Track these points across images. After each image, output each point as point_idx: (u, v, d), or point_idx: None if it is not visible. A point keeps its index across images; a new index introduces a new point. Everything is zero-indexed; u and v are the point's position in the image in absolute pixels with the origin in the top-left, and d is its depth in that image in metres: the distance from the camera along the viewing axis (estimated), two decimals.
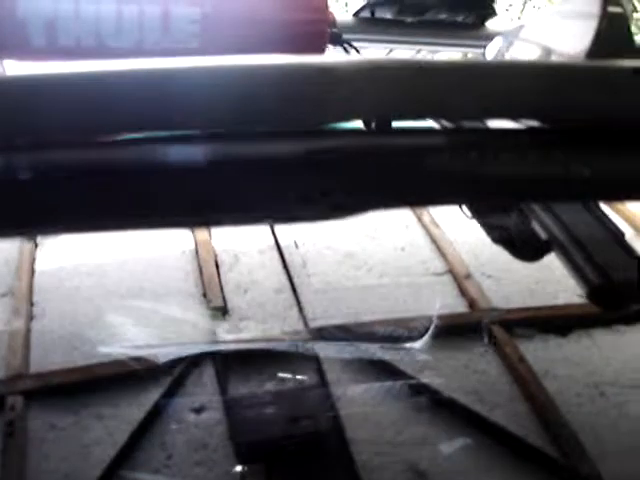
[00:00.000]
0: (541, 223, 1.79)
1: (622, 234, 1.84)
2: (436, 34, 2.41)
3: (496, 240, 2.03)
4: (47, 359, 2.31)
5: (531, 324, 2.60)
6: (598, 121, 1.07)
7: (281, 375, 2.34)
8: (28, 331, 2.40)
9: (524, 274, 2.81)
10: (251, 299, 2.60)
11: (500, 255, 2.76)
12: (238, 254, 2.80)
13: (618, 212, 3.18)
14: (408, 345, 2.46)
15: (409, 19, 2.30)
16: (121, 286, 2.59)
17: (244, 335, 2.45)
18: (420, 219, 3.05)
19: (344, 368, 2.39)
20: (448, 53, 2.67)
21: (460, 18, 2.34)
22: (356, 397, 2.30)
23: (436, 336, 2.48)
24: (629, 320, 2.67)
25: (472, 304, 2.66)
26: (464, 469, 2.14)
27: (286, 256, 2.80)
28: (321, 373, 2.35)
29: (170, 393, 2.25)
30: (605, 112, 1.05)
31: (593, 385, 2.43)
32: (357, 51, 2.00)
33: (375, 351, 2.42)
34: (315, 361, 2.38)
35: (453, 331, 2.55)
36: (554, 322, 2.62)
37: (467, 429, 2.24)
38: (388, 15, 2.31)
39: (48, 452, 2.05)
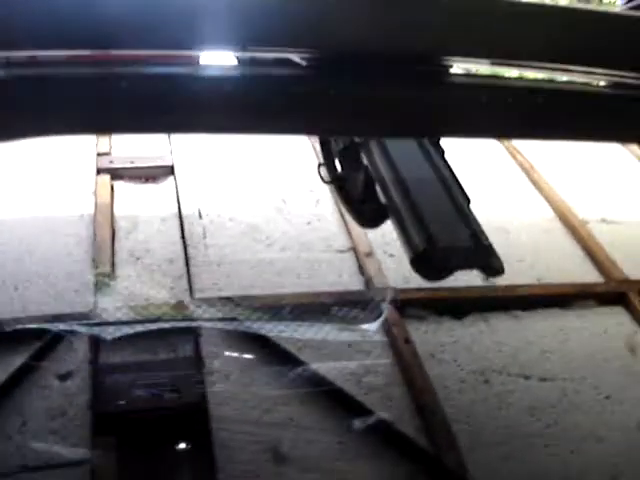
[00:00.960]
0: (383, 187, 1.72)
1: (467, 201, 1.78)
2: None
3: (343, 202, 1.98)
4: None
5: (426, 305, 2.54)
6: None
7: (156, 346, 2.30)
8: None
9: None
10: (142, 267, 2.54)
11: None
12: (138, 220, 2.74)
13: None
14: (293, 322, 2.41)
15: None
16: (9, 248, 2.54)
17: (125, 304, 2.39)
18: (333, 194, 2.98)
19: (222, 342, 2.33)
20: None
21: None
22: (229, 373, 2.25)
23: (324, 314, 2.43)
24: (527, 305, 2.61)
25: (368, 282, 2.60)
26: (327, 455, 2.09)
27: (187, 225, 2.74)
28: (197, 346, 2.31)
29: (38, 358, 2.20)
30: None
31: (479, 372, 2.38)
32: None
33: (257, 327, 2.37)
34: (193, 334, 2.33)
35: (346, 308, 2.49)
36: (450, 304, 2.56)
37: (337, 412, 2.19)
38: None
39: None
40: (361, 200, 1.92)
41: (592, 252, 2.87)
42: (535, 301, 2.63)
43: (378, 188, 1.77)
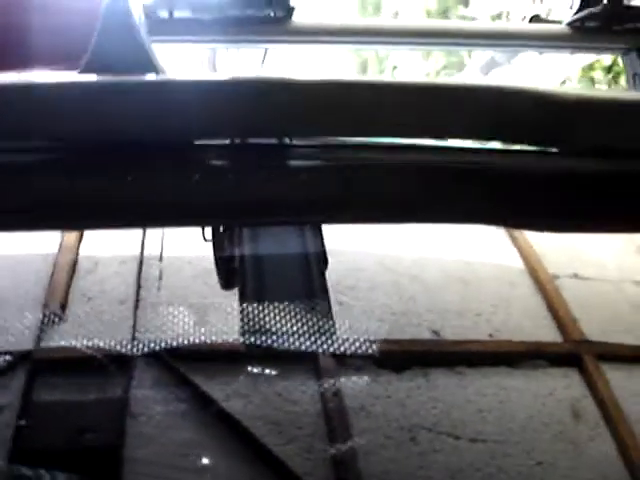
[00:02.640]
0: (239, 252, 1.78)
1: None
2: (237, 31, 2.34)
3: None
4: None
5: (364, 357, 2.52)
6: None
7: (87, 385, 2.36)
8: None
9: (380, 303, 2.73)
10: (90, 308, 2.63)
11: (364, 284, 2.71)
12: (99, 262, 2.83)
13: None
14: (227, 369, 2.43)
15: (207, 16, 2.24)
16: None
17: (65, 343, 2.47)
18: None
19: (154, 385, 2.38)
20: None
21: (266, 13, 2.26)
22: (153, 415, 2.29)
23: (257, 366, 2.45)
24: (473, 362, 2.55)
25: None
26: None
27: (145, 267, 2.81)
28: (127, 388, 2.36)
29: None
30: None
31: (407, 428, 2.33)
32: None
33: (189, 374, 2.40)
34: (126, 375, 2.39)
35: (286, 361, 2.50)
36: (390, 356, 2.53)
37: (254, 462, 2.19)
38: (187, 14, 2.26)
39: None
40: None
41: (555, 310, 2.78)
42: (482, 358, 2.57)
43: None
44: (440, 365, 2.54)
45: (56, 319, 2.57)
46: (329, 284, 2.80)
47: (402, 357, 2.54)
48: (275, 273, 2.04)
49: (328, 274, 2.86)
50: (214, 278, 2.81)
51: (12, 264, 2.78)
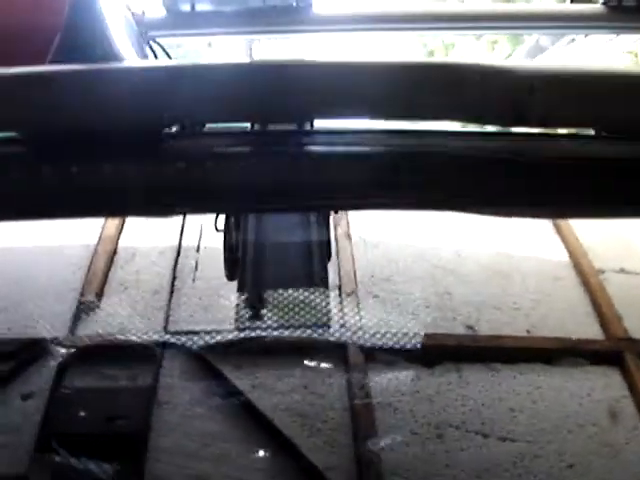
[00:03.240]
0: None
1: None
2: (259, 22, 2.31)
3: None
4: None
5: (397, 351, 2.47)
6: None
7: (117, 373, 2.40)
8: None
9: (414, 297, 2.68)
10: (126, 297, 2.67)
11: (399, 277, 2.67)
12: (137, 252, 2.87)
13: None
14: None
15: (228, 8, 2.22)
16: (12, 272, 2.74)
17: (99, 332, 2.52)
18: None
19: (182, 375, 2.40)
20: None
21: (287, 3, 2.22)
22: (179, 405, 2.31)
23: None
24: (508, 358, 2.47)
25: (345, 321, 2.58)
26: None
27: (182, 258, 2.83)
28: (156, 376, 2.38)
29: (9, 376, 2.37)
30: None
31: (435, 425, 2.28)
32: (163, 49, 1.98)
33: (216, 362, 2.41)
34: (155, 364, 2.42)
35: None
36: (422, 351, 2.48)
37: (275, 454, 2.19)
38: (209, 7, 2.25)
39: None
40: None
41: (598, 305, 2.67)
42: (518, 354, 2.49)
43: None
44: (473, 361, 2.47)
45: (92, 307, 2.62)
46: (364, 275, 2.78)
47: (434, 352, 2.48)
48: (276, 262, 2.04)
49: (364, 265, 2.83)
50: None
51: (54, 254, 2.85)
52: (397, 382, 2.40)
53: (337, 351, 2.46)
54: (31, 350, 2.45)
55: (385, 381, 2.40)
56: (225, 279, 2.73)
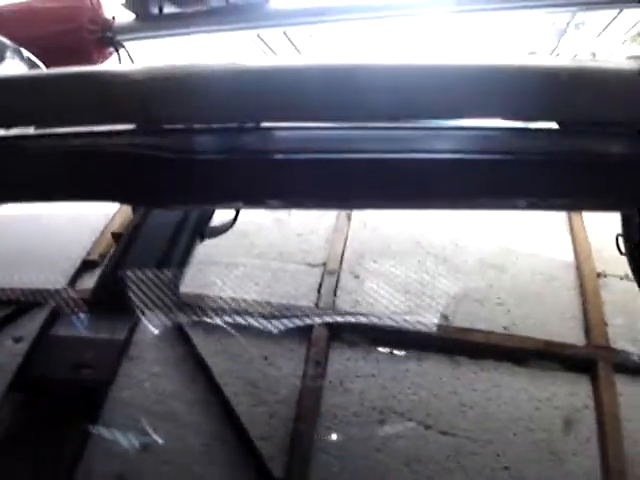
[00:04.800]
0: None
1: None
2: (221, 20, 2.35)
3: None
4: None
5: (363, 333, 2.49)
6: None
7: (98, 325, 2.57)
8: None
9: (396, 281, 2.67)
10: None
11: (388, 260, 2.70)
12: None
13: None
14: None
15: (190, 10, 2.28)
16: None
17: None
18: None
19: (155, 333, 2.54)
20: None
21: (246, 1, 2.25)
22: (146, 361, 2.45)
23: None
24: (476, 353, 2.42)
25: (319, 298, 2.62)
26: (189, 454, 2.20)
27: None
28: (132, 332, 2.53)
29: (5, 321, 2.61)
30: None
31: (379, 410, 2.29)
32: (127, 52, 2.10)
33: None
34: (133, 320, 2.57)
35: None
36: (389, 336, 2.48)
37: (216, 419, 2.28)
38: (175, 9, 2.32)
39: None
40: None
41: (587, 310, 2.54)
42: (485, 351, 2.43)
43: None
44: (437, 351, 2.45)
45: (93, 266, 2.81)
46: (353, 255, 2.80)
47: (399, 338, 2.47)
48: None
49: (356, 246, 2.85)
50: (251, 241, 2.92)
51: (72, 218, 3.07)
52: (355, 364, 2.42)
53: (303, 327, 2.51)
54: (30, 299, 2.68)
55: (344, 361, 2.43)
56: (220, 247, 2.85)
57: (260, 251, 2.86)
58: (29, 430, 2.29)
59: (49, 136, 1.17)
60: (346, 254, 2.79)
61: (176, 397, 2.35)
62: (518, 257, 2.78)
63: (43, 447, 2.23)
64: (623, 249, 1.89)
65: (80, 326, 2.59)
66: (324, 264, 2.77)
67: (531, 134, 1.08)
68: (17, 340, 2.56)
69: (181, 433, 2.25)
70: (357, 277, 2.70)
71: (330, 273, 2.71)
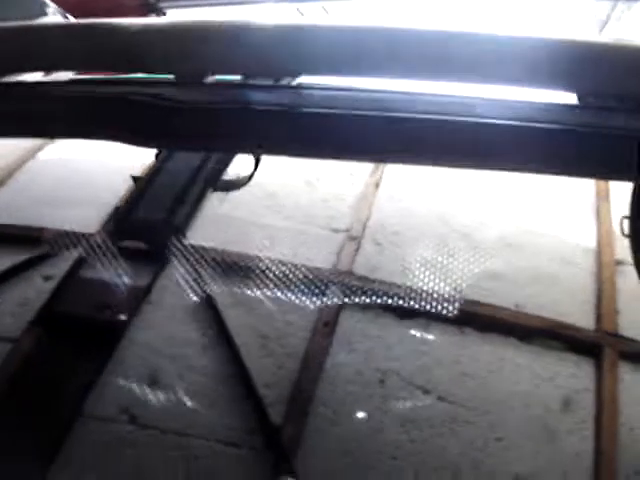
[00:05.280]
0: None
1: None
2: None
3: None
4: None
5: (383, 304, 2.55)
6: None
7: (123, 270, 2.68)
8: None
9: (413, 252, 2.71)
10: None
11: (409, 232, 2.75)
12: None
13: None
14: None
15: None
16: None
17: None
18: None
19: (178, 281, 2.64)
20: None
21: None
22: (164, 307, 2.55)
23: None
24: (483, 326, 2.45)
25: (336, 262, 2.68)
26: (196, 393, 2.30)
27: None
28: (155, 277, 2.64)
29: (38, 260, 2.74)
30: None
31: (382, 371, 2.35)
32: None
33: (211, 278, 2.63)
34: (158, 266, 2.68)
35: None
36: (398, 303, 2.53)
37: (229, 366, 2.36)
38: None
39: None
40: None
41: (601, 297, 2.55)
42: (494, 325, 2.46)
43: None
44: (447, 322, 2.49)
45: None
46: (376, 224, 2.85)
47: (408, 305, 2.52)
48: None
49: (380, 215, 2.90)
50: (276, 202, 2.99)
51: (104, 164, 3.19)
52: (364, 326, 2.48)
53: (319, 288, 2.58)
54: (61, 241, 2.81)
55: (353, 323, 2.49)
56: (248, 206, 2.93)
57: (287, 213, 2.93)
58: (47, 361, 2.42)
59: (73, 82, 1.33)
60: (370, 222, 2.84)
61: (188, 342, 2.45)
62: (538, 238, 2.79)
63: (57, 377, 2.36)
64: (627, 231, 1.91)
65: (106, 270, 2.71)
66: (347, 230, 2.83)
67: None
68: (46, 279, 2.70)
69: (188, 375, 2.35)
70: (378, 245, 2.76)
71: (352, 239, 2.77)
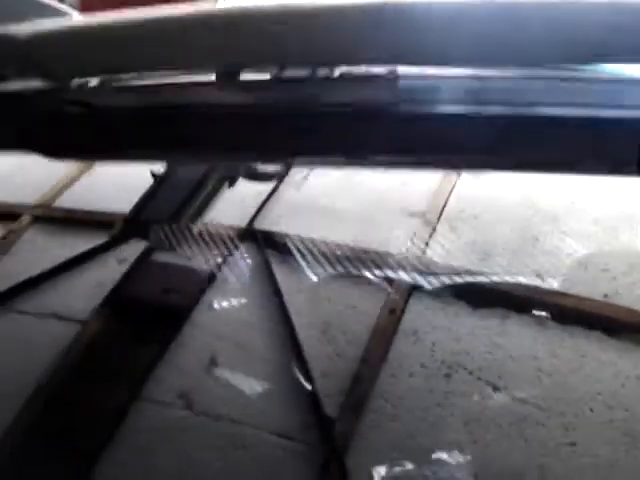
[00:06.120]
0: None
1: None
2: None
3: None
4: None
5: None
6: None
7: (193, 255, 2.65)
8: None
9: (494, 237, 2.51)
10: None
11: (490, 215, 2.59)
12: None
13: None
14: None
15: None
16: None
17: None
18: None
19: (246, 268, 2.58)
20: None
21: None
22: (228, 292, 2.50)
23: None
24: (567, 318, 2.22)
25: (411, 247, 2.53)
26: (256, 374, 2.23)
27: None
28: (222, 264, 2.60)
29: (113, 243, 2.78)
30: None
31: (448, 364, 2.18)
32: None
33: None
34: (228, 252, 2.63)
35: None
36: (473, 291, 2.34)
37: (283, 349, 2.28)
38: None
39: None
40: None
41: None
42: (578, 317, 2.22)
43: None
44: (524, 312, 2.27)
45: None
46: (455, 208, 2.68)
47: (485, 294, 2.33)
48: None
49: (458, 198, 2.73)
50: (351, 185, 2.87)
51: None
52: (433, 314, 2.32)
53: (389, 273, 2.43)
54: (135, 226, 2.82)
55: (422, 310, 2.33)
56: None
57: (362, 197, 2.80)
58: (113, 344, 2.43)
59: None
60: (448, 206, 2.66)
61: (250, 327, 2.38)
62: (637, 223, 2.51)
63: (122, 360, 2.37)
64: None
65: (177, 254, 2.69)
66: (424, 214, 2.67)
67: None
68: (120, 261, 2.72)
69: (247, 361, 2.29)
70: (455, 229, 2.57)
71: (427, 223, 2.60)
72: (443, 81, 1.16)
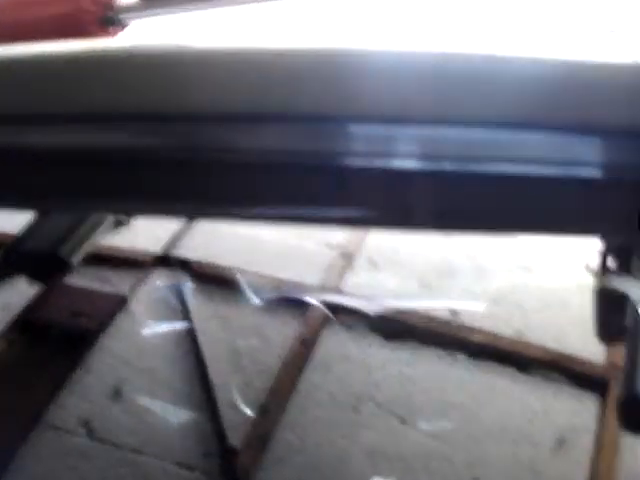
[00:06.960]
0: None
1: None
2: None
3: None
4: None
5: (362, 317, 2.35)
6: None
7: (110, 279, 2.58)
8: None
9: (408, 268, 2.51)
10: None
11: (407, 247, 2.58)
12: None
13: None
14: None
15: None
16: None
17: None
18: None
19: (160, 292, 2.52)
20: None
21: None
22: (139, 317, 2.43)
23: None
24: (479, 354, 2.22)
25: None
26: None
27: None
28: (135, 288, 2.53)
29: None
30: None
31: (357, 397, 2.15)
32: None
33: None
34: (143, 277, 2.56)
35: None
36: (387, 323, 2.33)
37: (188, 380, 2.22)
38: None
39: None
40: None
41: None
42: (489, 352, 2.22)
43: None
44: (437, 345, 2.27)
45: None
46: (375, 242, 2.67)
47: (399, 327, 2.31)
48: None
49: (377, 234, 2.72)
50: None
51: None
52: (345, 346, 2.29)
53: (302, 304, 2.40)
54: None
55: (334, 342, 2.30)
56: None
57: (282, 227, 2.77)
58: (18, 369, 2.32)
59: None
60: (368, 240, 2.65)
61: (159, 355, 2.31)
62: (550, 260, 2.54)
63: (26, 385, 2.26)
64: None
65: (89, 277, 2.61)
66: (343, 246, 2.65)
67: None
68: (31, 283, 2.61)
69: (154, 389, 2.21)
70: (372, 262, 2.57)
71: (345, 256, 2.59)
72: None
